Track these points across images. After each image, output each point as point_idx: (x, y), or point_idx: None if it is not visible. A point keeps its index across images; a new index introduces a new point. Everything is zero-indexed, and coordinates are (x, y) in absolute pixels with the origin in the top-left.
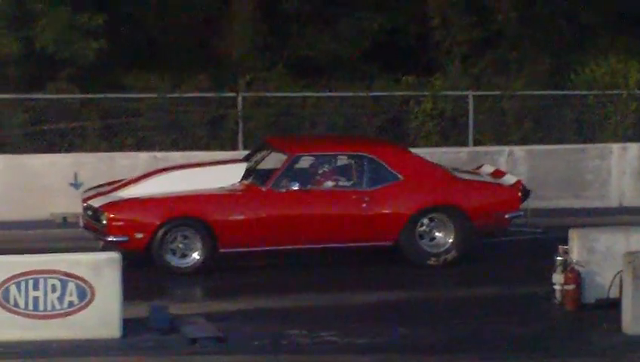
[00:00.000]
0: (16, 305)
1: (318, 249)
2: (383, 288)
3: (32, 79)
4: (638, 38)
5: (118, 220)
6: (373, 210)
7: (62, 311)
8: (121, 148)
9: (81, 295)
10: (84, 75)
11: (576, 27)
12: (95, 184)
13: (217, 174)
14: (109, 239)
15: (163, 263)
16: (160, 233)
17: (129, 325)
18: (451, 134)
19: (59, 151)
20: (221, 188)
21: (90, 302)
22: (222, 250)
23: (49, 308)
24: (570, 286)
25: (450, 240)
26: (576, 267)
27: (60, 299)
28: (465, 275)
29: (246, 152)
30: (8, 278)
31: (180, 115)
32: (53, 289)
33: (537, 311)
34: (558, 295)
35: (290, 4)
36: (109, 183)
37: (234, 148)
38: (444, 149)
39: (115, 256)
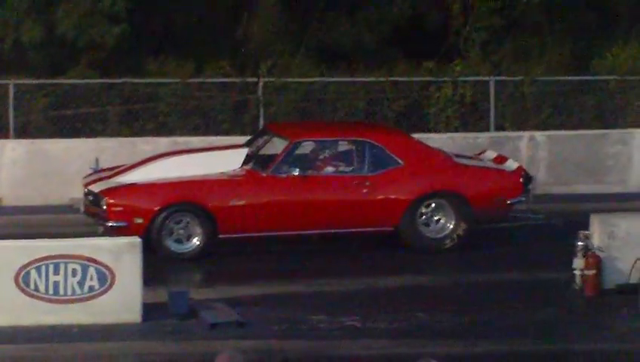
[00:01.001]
0: (36, 289)
1: (317, 234)
2: (399, 273)
3: (53, 64)
4: None
5: (118, 205)
6: (373, 195)
7: (82, 296)
8: (142, 133)
9: (102, 279)
10: (105, 60)
11: (597, 13)
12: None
13: (218, 159)
14: (109, 224)
15: (162, 248)
16: (159, 218)
17: (149, 310)
18: (472, 120)
19: (80, 136)
20: (221, 173)
21: (110, 286)
22: (221, 236)
23: (69, 292)
24: (591, 272)
25: (451, 226)
26: (597, 252)
27: (81, 283)
28: (478, 261)
29: None
30: (29, 263)
31: (201, 101)
32: (74, 274)
33: (557, 296)
34: (578, 280)
35: None
36: (111, 168)
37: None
38: (464, 135)
39: (135, 240)
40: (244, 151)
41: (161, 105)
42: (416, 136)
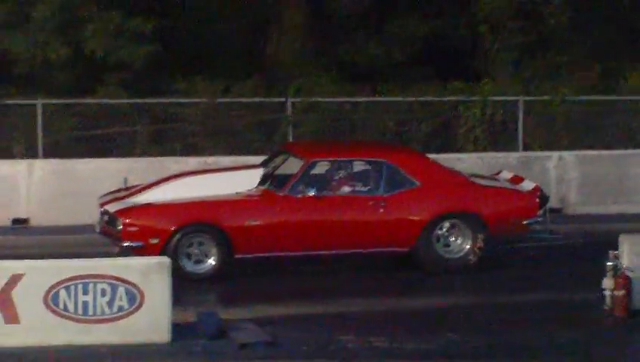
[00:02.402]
0: (65, 309)
1: (331, 255)
2: (423, 294)
3: (81, 84)
4: None
5: (133, 225)
6: (389, 215)
7: (111, 316)
8: (171, 152)
9: (131, 299)
10: (133, 80)
11: (626, 32)
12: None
13: (234, 179)
14: (124, 244)
15: (177, 269)
16: (175, 239)
17: (178, 330)
18: (500, 139)
19: (109, 155)
20: (237, 193)
21: (139, 306)
22: (237, 256)
23: (98, 312)
24: (620, 292)
25: (467, 247)
26: (627, 272)
27: (110, 303)
28: (501, 282)
29: None
30: (58, 282)
31: (229, 120)
32: (103, 294)
33: (586, 316)
34: (607, 301)
35: (340, 9)
36: (127, 188)
37: None
38: (493, 154)
39: (165, 260)
40: (261, 171)
41: (190, 124)
42: (444, 156)
